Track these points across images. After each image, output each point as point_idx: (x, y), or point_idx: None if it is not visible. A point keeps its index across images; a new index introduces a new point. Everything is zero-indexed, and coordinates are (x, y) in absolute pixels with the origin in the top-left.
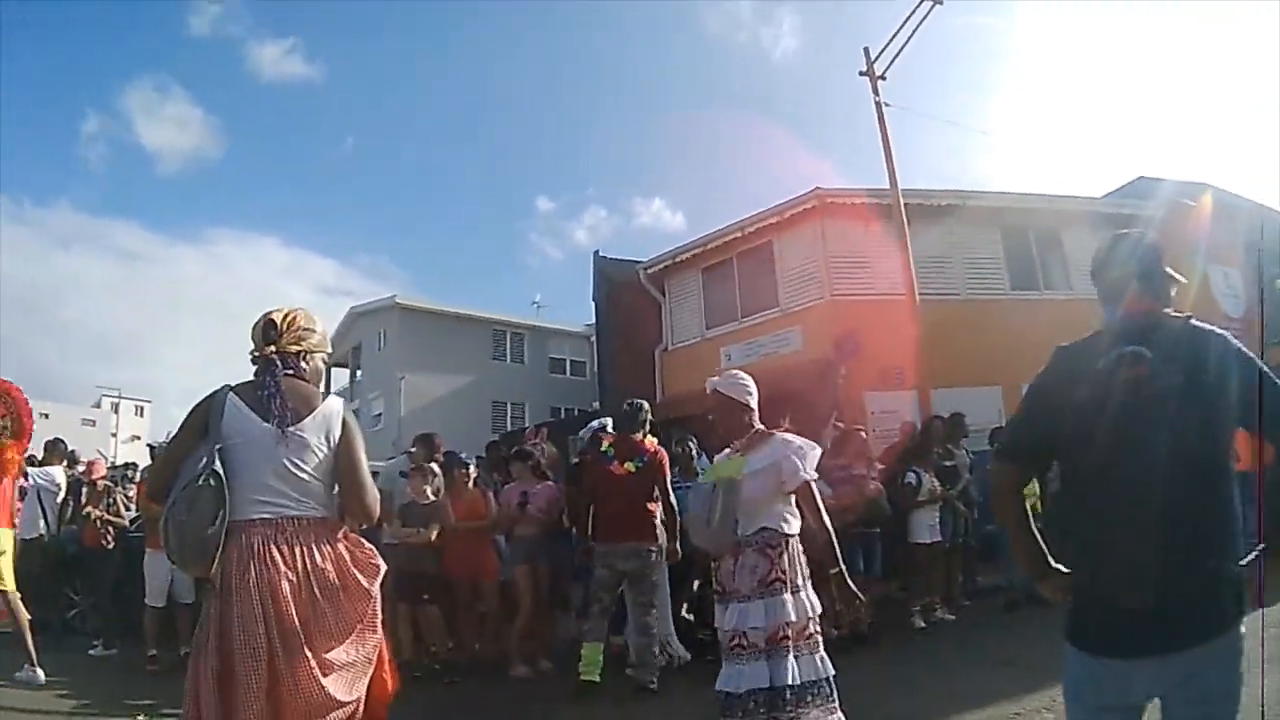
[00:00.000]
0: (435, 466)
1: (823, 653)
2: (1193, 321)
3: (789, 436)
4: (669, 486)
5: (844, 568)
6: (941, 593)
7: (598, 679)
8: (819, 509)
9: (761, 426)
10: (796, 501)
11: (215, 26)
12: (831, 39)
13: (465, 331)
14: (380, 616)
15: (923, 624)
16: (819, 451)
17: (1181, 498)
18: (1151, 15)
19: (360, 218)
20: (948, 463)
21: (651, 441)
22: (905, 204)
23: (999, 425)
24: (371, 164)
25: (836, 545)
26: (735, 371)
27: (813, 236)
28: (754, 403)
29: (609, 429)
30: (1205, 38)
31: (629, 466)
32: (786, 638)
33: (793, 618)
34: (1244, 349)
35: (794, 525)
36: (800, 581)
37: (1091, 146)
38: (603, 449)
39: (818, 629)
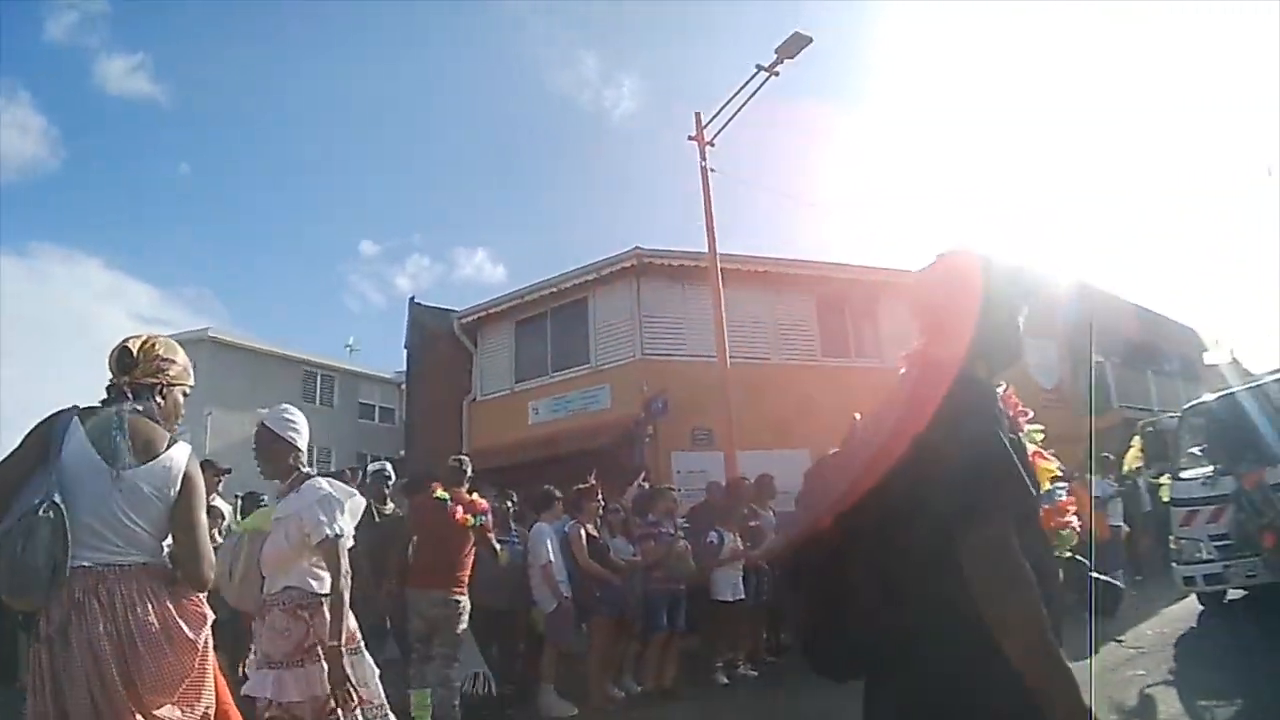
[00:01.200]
0: (225, 507)
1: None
2: None
3: (321, 484)
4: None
5: (342, 644)
6: (745, 649)
7: None
8: (339, 571)
9: (307, 469)
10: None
11: (71, 34)
12: (669, 103)
13: (277, 370)
14: (212, 668)
15: (726, 680)
16: (360, 502)
17: None
18: (974, 101)
19: (187, 247)
20: (753, 523)
21: (483, 502)
22: (722, 268)
23: None
24: (204, 193)
25: (343, 618)
26: (286, 406)
27: (628, 295)
28: (302, 443)
29: (389, 473)
30: (1021, 121)
31: (468, 518)
32: (334, 710)
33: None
34: None
35: (327, 584)
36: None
37: (915, 221)
38: (437, 495)
39: (380, 697)
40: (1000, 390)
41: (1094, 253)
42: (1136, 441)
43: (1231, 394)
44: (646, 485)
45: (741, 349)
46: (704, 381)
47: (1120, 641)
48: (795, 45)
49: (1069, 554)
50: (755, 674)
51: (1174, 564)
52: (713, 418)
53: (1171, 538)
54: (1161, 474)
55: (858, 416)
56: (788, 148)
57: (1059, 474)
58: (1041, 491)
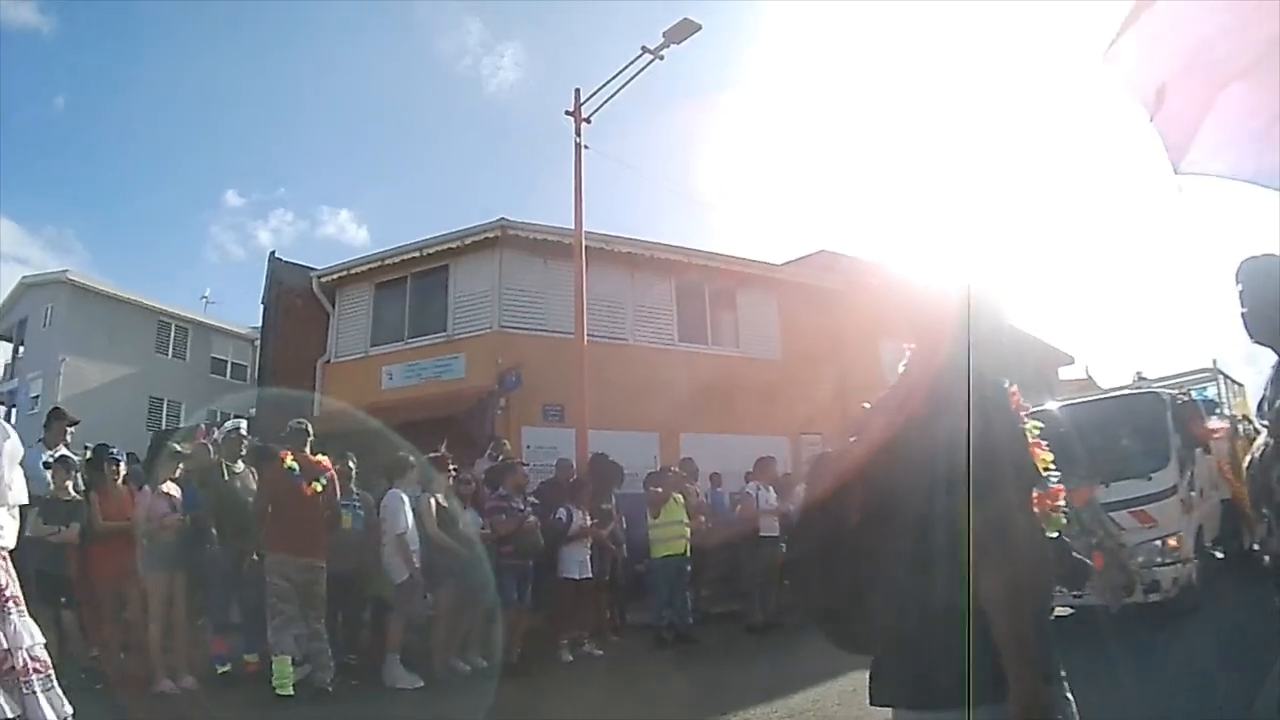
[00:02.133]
0: (74, 457)
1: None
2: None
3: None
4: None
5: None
6: (590, 628)
7: (291, 691)
8: None
9: None
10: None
11: None
12: (551, 77)
13: (132, 319)
14: None
15: (570, 657)
16: (16, 445)
17: None
18: (849, 103)
19: (54, 184)
20: (604, 504)
21: (325, 460)
22: (587, 246)
23: (654, 470)
24: (76, 129)
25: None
26: None
27: (490, 265)
28: None
29: (243, 432)
30: (892, 124)
31: (316, 486)
32: (22, 668)
33: (26, 642)
34: None
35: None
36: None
37: (785, 216)
38: (287, 465)
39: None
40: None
41: (962, 261)
42: None
43: (1065, 406)
44: (498, 458)
45: (600, 328)
46: (560, 358)
47: None
48: (683, 31)
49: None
50: (600, 653)
51: None
52: (566, 394)
53: None
54: None
55: (867, 405)
56: (666, 133)
57: (1050, 464)
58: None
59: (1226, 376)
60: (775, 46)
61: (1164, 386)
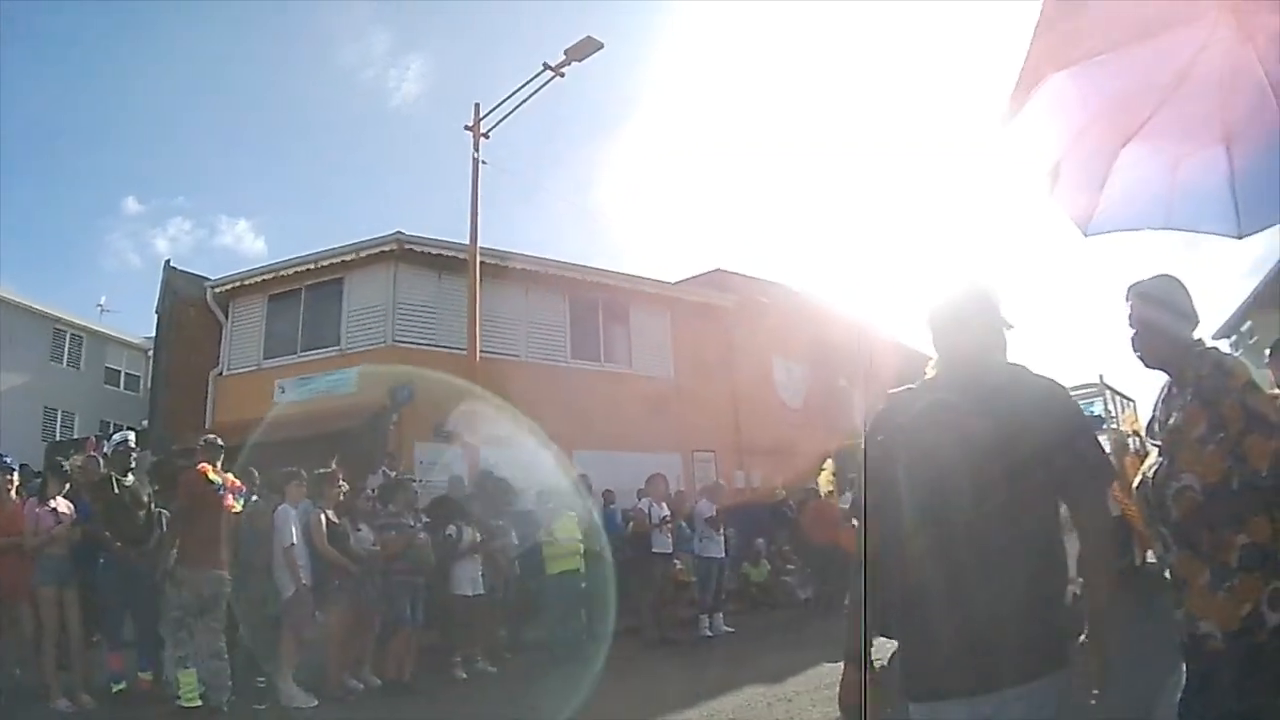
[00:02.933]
0: None
1: None
2: (1021, 370)
3: None
4: None
5: None
6: (484, 645)
7: (199, 703)
8: None
9: None
10: None
11: None
12: (456, 92)
13: (27, 326)
14: None
15: (464, 675)
16: None
17: (988, 549)
18: (747, 123)
19: None
20: (496, 521)
21: (238, 482)
22: (482, 261)
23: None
24: None
25: None
26: None
27: (385, 279)
28: None
29: (132, 444)
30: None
31: (236, 505)
32: None
33: None
34: (1074, 408)
35: None
36: None
37: (681, 234)
38: (210, 478)
39: None
40: None
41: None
42: (829, 464)
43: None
44: (391, 475)
45: (493, 344)
46: (452, 373)
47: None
48: (585, 49)
49: None
50: (494, 670)
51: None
52: (459, 411)
53: None
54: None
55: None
56: (565, 151)
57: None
58: None
59: (1114, 391)
60: (677, 66)
61: None
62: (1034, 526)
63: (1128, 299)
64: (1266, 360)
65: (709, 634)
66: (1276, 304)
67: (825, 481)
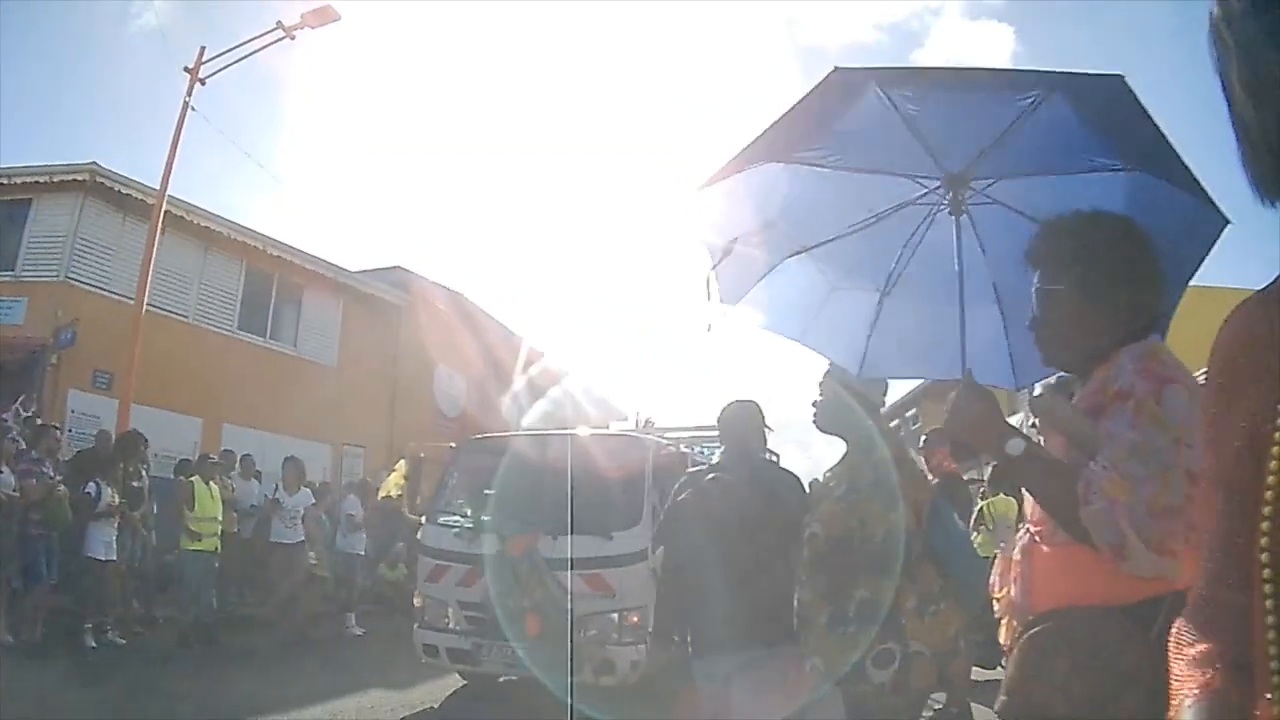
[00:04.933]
0: None
1: None
2: (772, 463)
3: None
4: None
5: None
6: (115, 614)
7: None
8: None
9: None
10: None
11: None
12: (187, 36)
13: None
14: None
15: (94, 644)
16: None
17: (746, 567)
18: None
19: None
20: (135, 483)
21: None
22: (168, 210)
23: (191, 457)
24: None
25: None
26: None
27: (73, 209)
28: None
29: None
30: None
31: None
32: None
33: None
34: (800, 489)
35: None
36: None
37: (371, 225)
38: None
39: None
40: None
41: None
42: (401, 465)
43: (525, 437)
44: (26, 414)
45: (165, 300)
46: (119, 323)
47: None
48: (321, 17)
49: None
50: (123, 642)
51: (416, 625)
52: (119, 363)
53: (416, 593)
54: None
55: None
56: (283, 120)
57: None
58: None
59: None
60: (410, 55)
61: (679, 436)
62: (774, 556)
63: (826, 371)
64: (920, 446)
65: (354, 631)
66: (941, 398)
67: (394, 484)
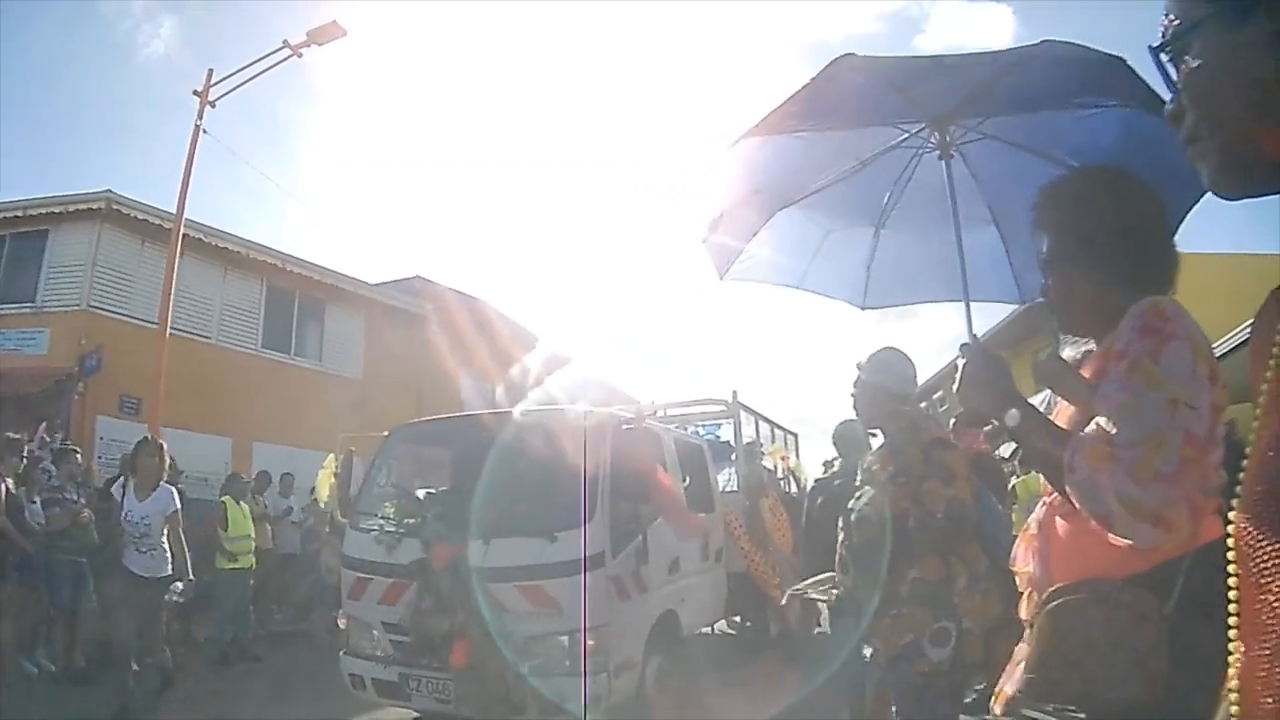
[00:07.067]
0: None
1: None
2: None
3: None
4: None
5: None
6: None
7: None
8: None
9: None
10: None
11: None
12: (195, 60)
13: None
14: None
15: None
16: None
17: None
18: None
19: None
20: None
21: None
22: (187, 234)
23: (231, 474)
24: None
25: None
26: None
27: (89, 239)
28: None
29: None
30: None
31: None
32: None
33: None
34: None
35: None
36: None
37: (389, 237)
38: None
39: None
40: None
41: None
42: (329, 462)
43: (461, 420)
44: (50, 440)
45: (187, 323)
46: (143, 348)
47: None
48: (327, 34)
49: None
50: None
51: (342, 652)
52: (144, 387)
53: (339, 614)
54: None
55: (818, 477)
56: (293, 136)
57: None
58: None
59: (750, 411)
60: (419, 68)
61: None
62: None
63: (857, 365)
64: (950, 429)
65: None
66: None
67: (324, 483)
